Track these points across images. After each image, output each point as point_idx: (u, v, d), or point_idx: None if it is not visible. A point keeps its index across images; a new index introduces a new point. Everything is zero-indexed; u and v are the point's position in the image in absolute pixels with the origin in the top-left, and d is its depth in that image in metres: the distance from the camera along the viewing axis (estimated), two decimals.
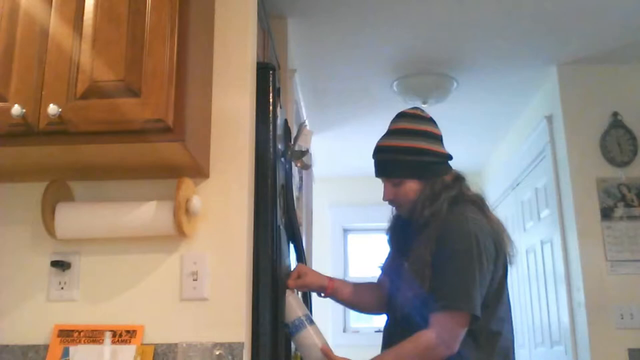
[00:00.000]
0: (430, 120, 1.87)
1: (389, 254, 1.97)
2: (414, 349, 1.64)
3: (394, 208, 1.91)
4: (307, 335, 1.79)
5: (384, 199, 1.86)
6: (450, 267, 1.66)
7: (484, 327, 1.68)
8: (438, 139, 1.85)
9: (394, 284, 1.87)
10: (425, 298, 1.67)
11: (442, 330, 1.63)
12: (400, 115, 1.89)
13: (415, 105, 2.06)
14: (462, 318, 1.64)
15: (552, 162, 3.53)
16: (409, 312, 1.72)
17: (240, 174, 1.71)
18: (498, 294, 1.73)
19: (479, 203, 1.80)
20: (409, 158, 1.80)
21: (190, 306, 1.63)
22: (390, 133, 1.86)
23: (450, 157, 1.85)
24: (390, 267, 1.93)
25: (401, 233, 1.89)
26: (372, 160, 1.87)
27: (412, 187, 1.80)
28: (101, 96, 1.45)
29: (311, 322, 1.83)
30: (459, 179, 1.83)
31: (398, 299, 1.81)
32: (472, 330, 1.66)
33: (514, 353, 1.77)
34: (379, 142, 1.87)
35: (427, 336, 1.63)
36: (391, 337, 1.78)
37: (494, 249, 1.71)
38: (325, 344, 1.78)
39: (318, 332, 1.81)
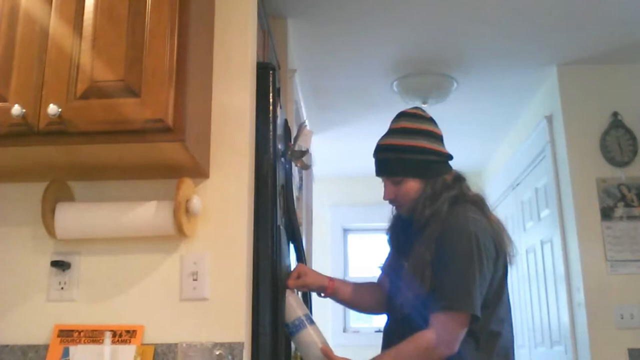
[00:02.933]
0: (431, 120, 1.87)
1: (389, 254, 1.97)
2: (414, 349, 1.64)
3: (394, 207, 1.91)
4: (307, 335, 1.79)
5: (385, 198, 1.86)
6: (450, 268, 1.66)
7: (484, 327, 1.68)
8: (439, 138, 1.85)
9: (394, 284, 1.87)
10: (425, 298, 1.67)
11: (442, 331, 1.63)
12: (401, 115, 1.89)
13: (415, 105, 2.06)
14: (463, 318, 1.64)
15: (552, 162, 3.53)
16: (409, 313, 1.72)
17: (240, 174, 1.71)
18: (498, 294, 1.73)
19: (479, 203, 1.80)
20: (410, 157, 1.80)
21: (190, 306, 1.63)
22: (392, 132, 1.86)
23: (451, 157, 1.85)
24: (390, 267, 1.93)
25: (401, 233, 1.89)
26: (373, 160, 1.87)
27: (413, 186, 1.79)
28: (101, 96, 1.45)
29: (311, 322, 1.83)
30: (459, 179, 1.83)
31: (398, 299, 1.80)
32: (473, 330, 1.66)
33: (513, 353, 1.77)
34: (379, 141, 1.87)
35: (427, 336, 1.63)
36: (391, 337, 1.78)
37: (494, 249, 1.71)
38: (326, 343, 1.78)
39: (318, 332, 1.81)
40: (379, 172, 1.86)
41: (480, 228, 1.70)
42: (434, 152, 1.81)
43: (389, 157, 1.83)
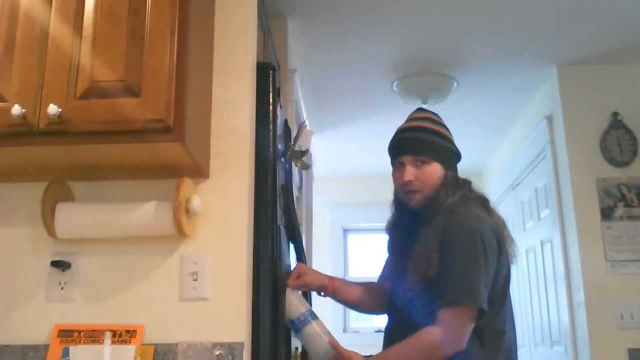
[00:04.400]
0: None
1: (387, 260, 1.96)
2: (420, 345, 1.63)
3: (394, 206, 1.90)
4: (313, 329, 1.79)
5: (405, 179, 1.78)
6: (454, 263, 1.65)
7: (489, 326, 1.68)
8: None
9: (396, 285, 1.86)
10: (428, 297, 1.66)
11: (448, 327, 1.62)
12: (422, 109, 1.94)
13: (415, 105, 2.07)
14: (469, 313, 1.63)
15: (552, 162, 3.53)
16: (411, 313, 1.71)
17: (240, 174, 1.71)
18: (503, 293, 1.73)
19: (484, 203, 1.81)
20: (441, 142, 1.82)
21: (190, 306, 1.63)
22: (416, 119, 1.87)
23: (461, 157, 1.89)
24: (392, 267, 1.93)
25: (403, 231, 1.88)
26: (390, 149, 1.86)
27: (437, 170, 1.79)
28: (101, 96, 1.45)
29: (315, 317, 1.83)
30: (466, 180, 1.85)
31: (399, 300, 1.80)
32: (477, 329, 1.66)
33: (516, 352, 1.77)
34: (405, 124, 1.87)
35: (433, 333, 1.62)
36: (392, 337, 1.77)
37: (497, 245, 1.71)
38: (332, 337, 1.78)
39: (323, 326, 1.81)
40: (407, 150, 1.81)
41: (483, 224, 1.70)
42: (455, 145, 1.87)
43: (421, 137, 1.81)
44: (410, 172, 1.79)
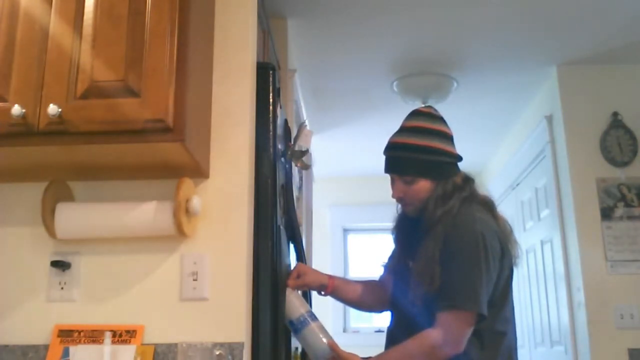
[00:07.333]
0: (443, 120, 1.87)
1: (393, 251, 1.96)
2: (419, 347, 1.64)
3: (399, 206, 1.90)
4: (312, 331, 1.79)
5: (393, 196, 1.84)
6: (456, 266, 1.65)
7: (490, 327, 1.68)
8: (450, 139, 1.85)
9: (398, 285, 1.86)
10: (432, 297, 1.66)
11: (448, 330, 1.63)
12: (415, 113, 1.87)
13: (415, 105, 2.05)
14: (469, 317, 1.64)
15: (552, 162, 3.53)
16: (413, 314, 1.72)
17: (240, 174, 1.71)
18: (504, 294, 1.73)
19: (488, 204, 1.80)
20: (423, 157, 1.78)
21: (190, 306, 1.63)
22: (405, 130, 1.84)
23: (461, 159, 1.85)
24: (395, 267, 1.93)
25: (407, 232, 1.88)
26: (383, 156, 1.85)
27: (424, 186, 1.78)
28: (101, 96, 1.45)
29: (315, 318, 1.83)
30: (468, 180, 1.83)
31: (402, 299, 1.80)
32: (478, 330, 1.66)
33: (516, 353, 1.78)
34: (392, 138, 1.85)
35: (432, 335, 1.63)
36: (395, 337, 1.77)
37: (500, 248, 1.71)
38: (331, 339, 1.78)
39: (323, 328, 1.81)
40: (390, 169, 1.84)
41: (486, 227, 1.70)
42: (447, 153, 1.81)
43: (402, 156, 1.81)
44: (398, 189, 1.82)
